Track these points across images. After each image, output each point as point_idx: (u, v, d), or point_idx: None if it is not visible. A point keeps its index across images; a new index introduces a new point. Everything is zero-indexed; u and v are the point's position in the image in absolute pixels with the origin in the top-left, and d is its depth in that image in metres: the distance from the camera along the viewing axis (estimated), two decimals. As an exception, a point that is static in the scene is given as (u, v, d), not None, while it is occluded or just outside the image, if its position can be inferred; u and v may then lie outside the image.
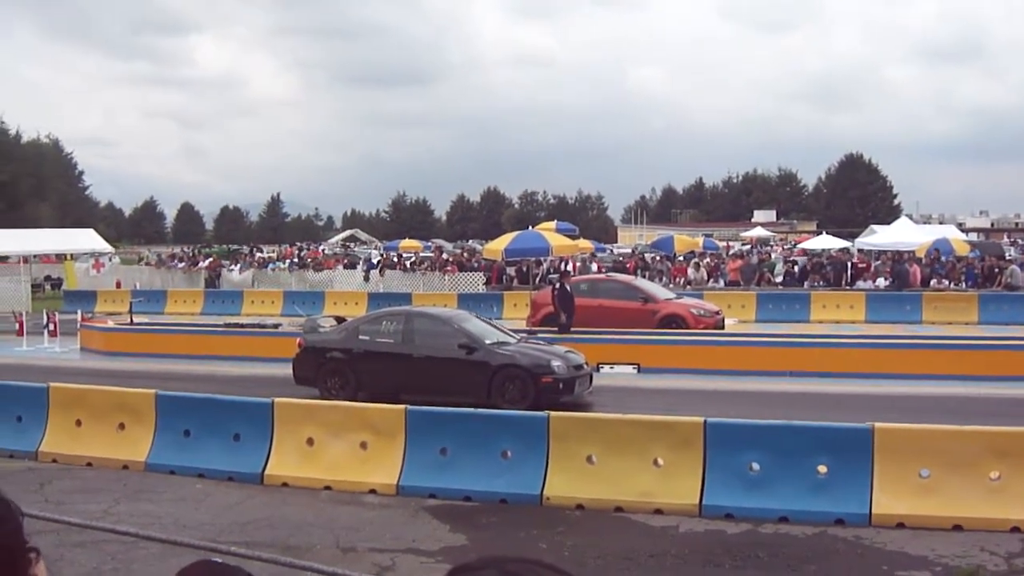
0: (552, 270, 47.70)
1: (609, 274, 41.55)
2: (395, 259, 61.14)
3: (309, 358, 22.82)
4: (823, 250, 60.81)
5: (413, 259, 61.27)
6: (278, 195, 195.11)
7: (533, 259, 43.50)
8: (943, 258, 47.26)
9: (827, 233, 75.28)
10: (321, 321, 25.50)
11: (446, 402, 17.80)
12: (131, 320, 34.47)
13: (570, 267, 48.05)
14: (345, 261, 64.06)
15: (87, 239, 57.68)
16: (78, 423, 16.87)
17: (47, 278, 62.43)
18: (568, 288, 29.07)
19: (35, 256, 59.29)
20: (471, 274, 50.52)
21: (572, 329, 27.91)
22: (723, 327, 31.61)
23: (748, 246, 74.31)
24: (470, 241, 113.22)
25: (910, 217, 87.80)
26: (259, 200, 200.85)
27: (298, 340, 23.53)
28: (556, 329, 27.91)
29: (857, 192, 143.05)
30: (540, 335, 26.27)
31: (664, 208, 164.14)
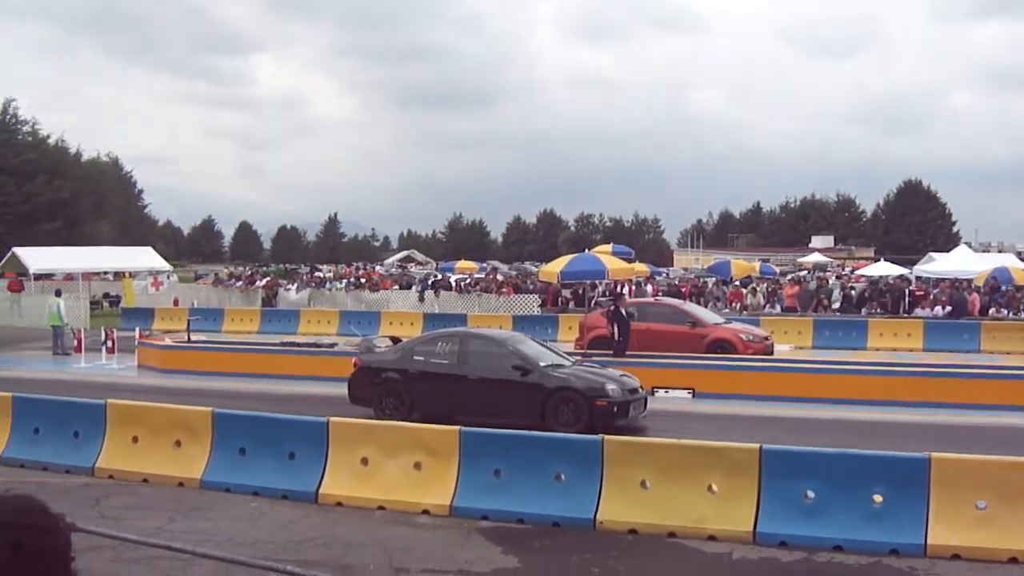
0: (606, 293, 47.60)
1: (658, 298, 41.40)
2: (451, 281, 61.14)
3: (364, 378, 22.89)
4: (881, 277, 60.40)
5: (468, 280, 61.25)
6: (335, 215, 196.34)
7: (589, 282, 43.52)
8: (1002, 287, 46.88)
9: (885, 260, 74.84)
10: (377, 341, 25.57)
11: (500, 424, 17.79)
12: (188, 338, 34.67)
13: (625, 290, 47.99)
14: (403, 281, 64.02)
15: (146, 257, 58.29)
16: (135, 440, 16.99)
17: (105, 295, 62.97)
18: (623, 311, 29.03)
19: (95, 274, 59.92)
20: (526, 296, 50.54)
21: (627, 352, 27.88)
22: (772, 353, 31.52)
23: (805, 272, 73.96)
24: (526, 263, 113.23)
25: (969, 245, 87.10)
26: (317, 220, 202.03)
27: (353, 360, 23.61)
28: (611, 352, 27.88)
29: (916, 219, 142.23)
30: (595, 358, 26.22)
31: (721, 232, 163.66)
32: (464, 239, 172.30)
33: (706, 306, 43.53)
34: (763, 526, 13.00)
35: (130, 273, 57.80)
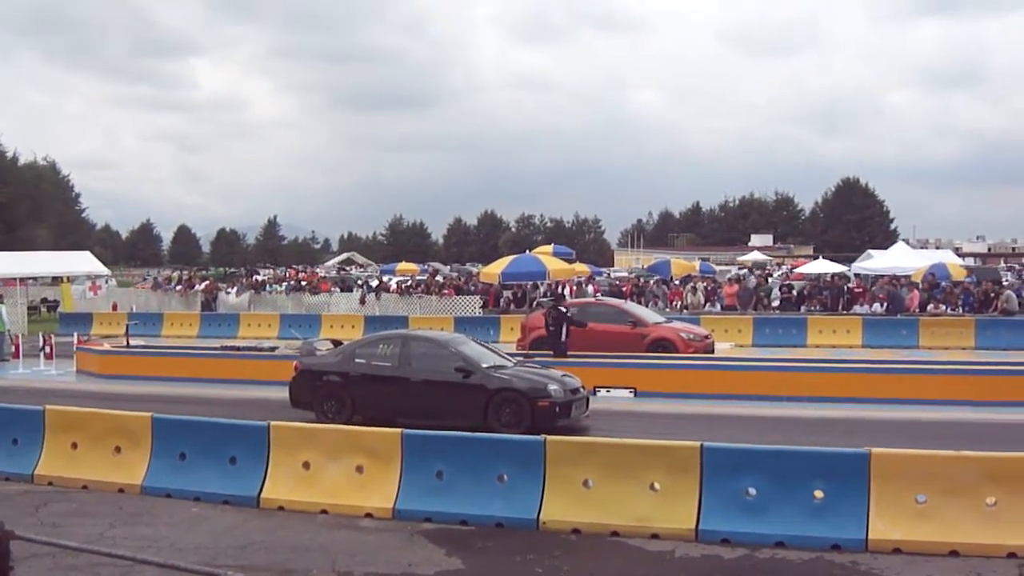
0: (546, 293, 47.68)
1: (599, 298, 41.53)
2: (392, 283, 61.04)
3: (305, 381, 22.79)
4: (819, 275, 60.81)
5: (408, 282, 61.26)
6: (275, 218, 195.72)
7: (530, 283, 43.53)
8: (940, 283, 47.31)
9: (824, 258, 75.31)
10: (318, 344, 25.47)
11: (442, 426, 17.77)
12: (127, 343, 34.41)
13: (566, 290, 48.05)
14: (343, 284, 63.93)
15: (84, 262, 57.71)
16: (74, 446, 16.85)
17: (43, 300, 62.44)
18: (564, 311, 29.04)
19: (32, 279, 59.35)
20: (468, 297, 50.60)
21: (568, 352, 27.90)
22: (713, 351, 31.67)
23: (745, 270, 74.35)
24: (467, 264, 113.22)
25: (907, 242, 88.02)
26: (256, 223, 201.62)
27: (294, 363, 23.51)
28: (551, 352, 27.90)
29: (854, 216, 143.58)
30: (537, 359, 26.24)
31: (661, 232, 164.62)
32: (405, 241, 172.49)
33: (647, 305, 43.63)
34: (705, 523, 13.05)
35: (68, 278, 57.28)
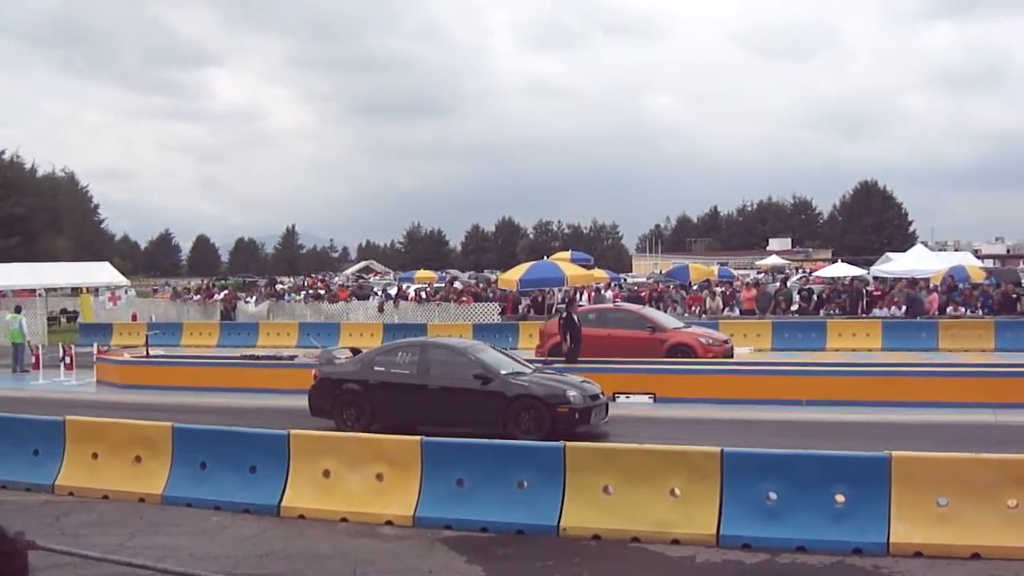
0: (564, 300, 47.63)
1: (617, 303, 41.46)
2: (410, 291, 61.01)
3: (325, 390, 22.81)
4: (838, 278, 60.65)
5: (427, 290, 61.23)
6: (293, 227, 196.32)
7: (548, 289, 43.46)
8: (959, 285, 47.12)
9: (842, 261, 75.16)
10: (337, 353, 25.49)
11: (462, 433, 17.76)
12: (147, 353, 34.50)
13: (584, 297, 47.99)
14: (360, 293, 63.90)
15: (103, 272, 57.94)
16: (95, 456, 16.88)
17: (63, 311, 62.63)
18: (574, 317, 29.01)
19: (52, 290, 59.57)
20: (486, 304, 50.51)
21: (586, 358, 27.86)
22: (732, 356, 31.58)
23: (763, 275, 74.15)
24: (485, 271, 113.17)
25: (925, 244, 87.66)
26: (275, 232, 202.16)
27: (314, 372, 23.51)
28: (564, 359, 27.87)
29: (872, 219, 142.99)
30: (555, 365, 26.22)
31: (679, 237, 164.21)
32: (423, 248, 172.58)
33: (665, 311, 43.57)
34: (726, 528, 13.01)
35: (87, 288, 57.44)
